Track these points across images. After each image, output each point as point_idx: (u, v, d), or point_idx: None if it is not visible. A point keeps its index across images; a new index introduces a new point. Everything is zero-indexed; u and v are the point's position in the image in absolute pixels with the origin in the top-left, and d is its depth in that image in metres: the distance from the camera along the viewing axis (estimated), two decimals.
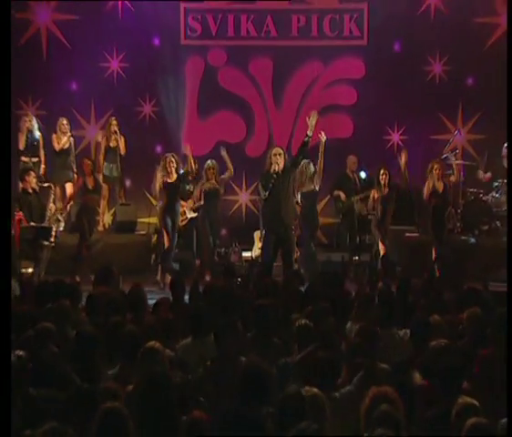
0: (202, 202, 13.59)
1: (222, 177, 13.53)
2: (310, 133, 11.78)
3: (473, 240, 13.96)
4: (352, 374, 6.03)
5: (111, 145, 14.60)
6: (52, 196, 13.20)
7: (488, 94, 15.26)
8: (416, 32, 15.58)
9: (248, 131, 16.10)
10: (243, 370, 5.47)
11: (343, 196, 14.00)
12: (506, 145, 14.19)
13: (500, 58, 15.17)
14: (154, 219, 14.35)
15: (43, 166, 14.30)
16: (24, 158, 14.18)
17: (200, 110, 16.03)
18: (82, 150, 15.48)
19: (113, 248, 13.76)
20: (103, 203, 14.42)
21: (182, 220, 13.68)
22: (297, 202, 12.85)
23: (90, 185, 13.62)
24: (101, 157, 14.66)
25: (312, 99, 15.80)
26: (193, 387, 5.89)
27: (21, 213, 12.51)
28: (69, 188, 14.33)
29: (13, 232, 12.41)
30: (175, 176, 12.87)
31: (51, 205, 12.99)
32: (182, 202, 13.59)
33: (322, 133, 12.51)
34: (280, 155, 11.85)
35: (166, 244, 12.93)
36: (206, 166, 13.51)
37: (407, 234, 14.35)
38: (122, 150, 14.59)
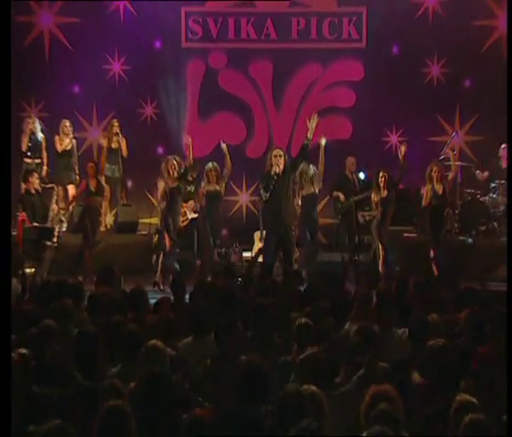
0: (204, 204, 13.61)
1: (222, 175, 13.51)
2: (310, 136, 11.86)
3: (470, 241, 13.99)
4: (350, 373, 6.03)
5: (113, 146, 14.68)
6: (55, 197, 13.24)
7: (486, 96, 15.32)
8: (414, 35, 15.63)
9: (248, 133, 16.17)
10: (243, 369, 5.49)
11: (342, 197, 13.98)
12: (503, 146, 14.26)
13: (497, 60, 15.33)
14: (155, 220, 14.33)
15: (45, 167, 14.37)
16: (26, 160, 14.25)
17: (201, 112, 16.10)
18: (84, 152, 15.55)
19: (115, 249, 13.84)
20: (105, 204, 14.46)
21: (183, 221, 13.71)
22: (297, 204, 12.95)
23: (93, 187, 13.70)
24: (103, 159, 14.74)
25: (311, 101, 15.86)
26: (194, 385, 5.94)
27: (24, 214, 12.54)
28: (72, 189, 14.46)
29: (16, 232, 12.50)
30: (176, 179, 12.89)
31: (54, 206, 13.02)
32: (183, 203, 13.61)
33: (323, 138, 12.62)
34: (280, 156, 11.93)
35: (167, 245, 12.97)
36: (207, 167, 13.53)
37: (405, 234, 14.39)
38: (124, 152, 14.68)
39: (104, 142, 14.91)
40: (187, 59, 16.15)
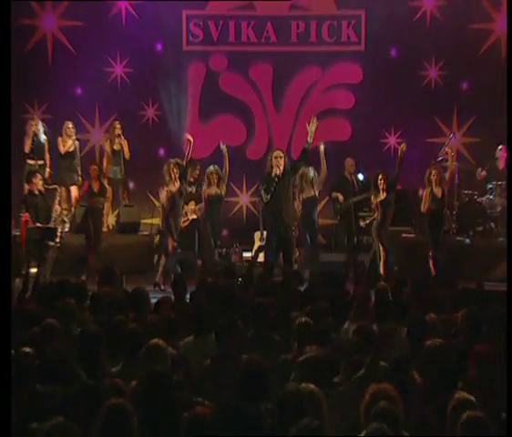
0: (205, 206, 13.65)
1: (221, 176, 13.49)
2: (310, 140, 11.98)
3: (468, 241, 14.07)
4: (350, 373, 6.03)
5: (115, 148, 14.75)
6: (58, 197, 13.36)
7: (483, 98, 15.41)
8: (413, 38, 15.72)
9: (248, 134, 16.22)
10: (243, 368, 5.49)
11: (341, 197, 13.97)
12: (499, 147, 14.36)
13: (494, 63, 15.41)
14: (157, 220, 14.42)
15: (48, 169, 14.44)
16: (29, 161, 14.33)
17: (202, 114, 16.15)
18: (87, 153, 15.59)
19: (117, 249, 13.92)
20: (107, 205, 14.45)
21: (184, 221, 13.75)
22: (298, 208, 12.98)
23: (96, 188, 13.73)
24: (105, 160, 14.82)
25: (310, 103, 15.93)
26: (195, 384, 5.96)
27: (27, 214, 12.60)
28: (74, 190, 14.54)
29: (19, 233, 12.62)
30: (178, 183, 12.88)
31: (57, 206, 13.13)
32: (184, 205, 13.62)
33: (321, 145, 12.71)
34: (280, 157, 12.07)
35: (170, 246, 12.98)
36: (208, 171, 13.53)
37: (404, 235, 14.45)
38: (126, 153, 14.74)
39: (106, 144, 14.98)
40: (188, 62, 16.19)
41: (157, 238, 13.92)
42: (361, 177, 14.45)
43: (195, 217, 14.03)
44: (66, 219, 13.44)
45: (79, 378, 5.70)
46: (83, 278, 12.23)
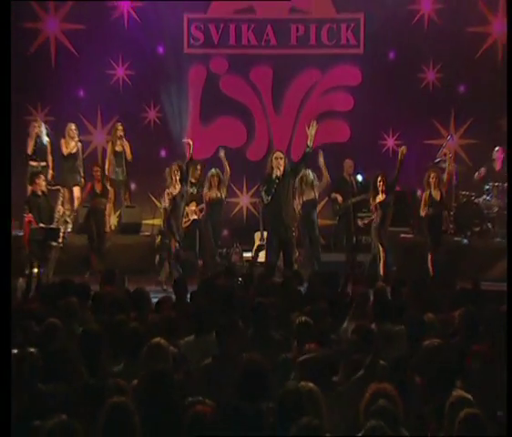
0: (206, 209, 13.72)
1: (222, 179, 13.55)
2: (310, 143, 12.06)
3: (465, 241, 14.15)
4: (349, 372, 6.04)
5: (117, 149, 14.83)
6: (60, 198, 13.41)
7: (480, 100, 15.48)
8: (411, 41, 15.81)
9: (248, 136, 16.30)
10: (244, 367, 5.48)
11: (340, 198, 14.05)
12: (496, 149, 14.49)
13: (491, 66, 15.51)
14: (158, 221, 14.52)
15: (50, 171, 14.48)
16: (32, 163, 14.39)
17: (203, 116, 16.22)
18: (89, 155, 15.66)
19: (118, 249, 14.02)
20: (109, 205, 14.49)
21: (185, 222, 13.81)
22: (298, 210, 13.00)
23: (98, 189, 13.90)
24: (107, 162, 14.89)
25: (310, 105, 16.02)
26: (195, 383, 5.99)
27: (30, 215, 12.68)
28: (77, 191, 14.61)
29: (22, 233, 12.72)
30: (179, 185, 12.93)
31: (59, 207, 13.19)
32: (185, 206, 13.60)
33: (320, 156, 12.77)
34: (281, 158, 12.15)
35: (173, 247, 13.01)
36: (209, 174, 13.60)
37: (402, 235, 14.53)
38: (128, 155, 14.80)
39: (108, 145, 15.05)
40: (189, 65, 16.25)
41: (158, 239, 13.97)
42: (359, 178, 14.49)
43: (196, 217, 14.11)
44: (68, 220, 13.45)
45: (81, 376, 5.72)
46: (86, 276, 12.36)
